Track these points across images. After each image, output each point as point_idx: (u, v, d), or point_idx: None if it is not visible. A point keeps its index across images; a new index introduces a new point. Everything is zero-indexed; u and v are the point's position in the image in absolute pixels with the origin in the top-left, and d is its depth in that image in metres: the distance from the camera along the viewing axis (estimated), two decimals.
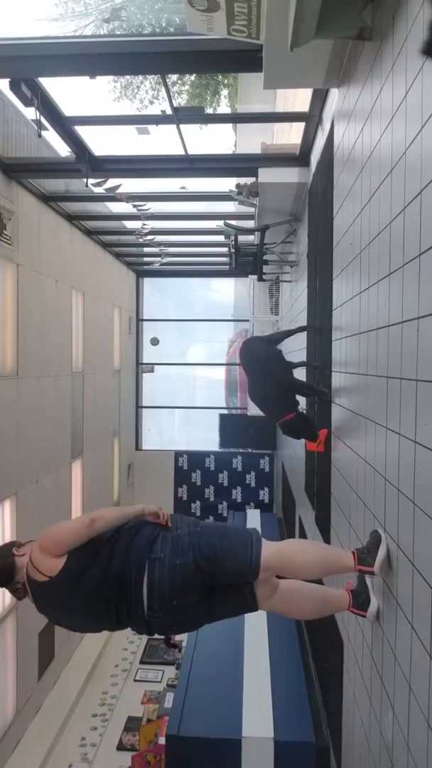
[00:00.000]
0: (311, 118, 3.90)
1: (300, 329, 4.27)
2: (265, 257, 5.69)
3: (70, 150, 4.64)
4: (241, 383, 11.38)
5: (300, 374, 3.72)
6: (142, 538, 1.98)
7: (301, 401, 3.96)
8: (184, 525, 2.05)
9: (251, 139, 8.79)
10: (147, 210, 5.91)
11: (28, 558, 1.96)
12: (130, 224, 7.24)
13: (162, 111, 4.26)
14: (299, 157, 4.58)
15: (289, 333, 4.05)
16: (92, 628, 2.12)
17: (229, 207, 6.58)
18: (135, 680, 6.86)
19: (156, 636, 2.21)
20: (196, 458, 10.36)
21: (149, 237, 7.09)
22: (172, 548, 1.94)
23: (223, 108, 15.77)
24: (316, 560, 2.07)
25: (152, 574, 1.90)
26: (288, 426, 3.36)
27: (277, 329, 8.58)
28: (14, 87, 3.59)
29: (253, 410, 8.73)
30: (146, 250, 8.86)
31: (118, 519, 2.01)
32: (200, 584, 1.96)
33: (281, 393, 3.36)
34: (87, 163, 4.66)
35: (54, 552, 1.90)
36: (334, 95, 3.19)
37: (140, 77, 12.63)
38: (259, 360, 3.45)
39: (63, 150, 5.04)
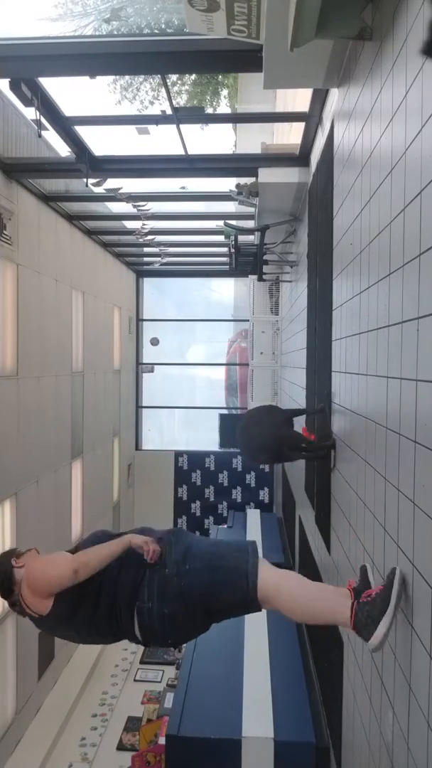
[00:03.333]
0: (311, 118, 3.90)
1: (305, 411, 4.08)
2: (265, 257, 5.69)
3: (70, 150, 4.64)
4: (240, 384, 11.37)
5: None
6: (127, 580, 1.92)
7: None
8: (172, 560, 1.94)
9: (251, 139, 8.81)
10: (147, 210, 5.91)
11: (22, 577, 1.94)
12: (130, 224, 7.23)
13: (162, 111, 4.26)
14: (299, 157, 4.58)
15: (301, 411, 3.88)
16: (95, 642, 2.19)
17: (229, 207, 6.58)
18: (135, 680, 6.85)
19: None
20: (196, 458, 10.35)
21: (149, 237, 7.08)
22: (159, 595, 1.88)
23: (223, 108, 15.80)
24: (303, 607, 1.88)
25: (142, 622, 1.89)
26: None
27: (276, 330, 8.57)
28: (14, 87, 3.58)
29: None
30: (146, 250, 8.85)
31: (105, 560, 1.92)
32: (195, 618, 1.94)
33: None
34: (87, 163, 4.65)
35: (41, 595, 1.89)
36: (334, 95, 3.19)
37: (140, 78, 12.64)
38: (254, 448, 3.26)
39: (63, 150, 5.04)
